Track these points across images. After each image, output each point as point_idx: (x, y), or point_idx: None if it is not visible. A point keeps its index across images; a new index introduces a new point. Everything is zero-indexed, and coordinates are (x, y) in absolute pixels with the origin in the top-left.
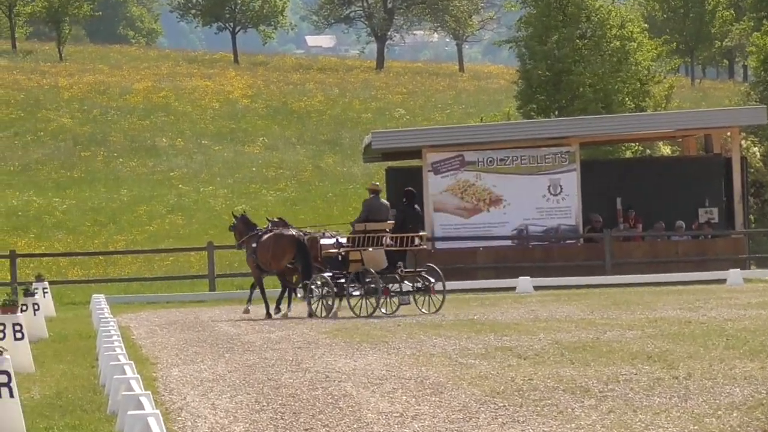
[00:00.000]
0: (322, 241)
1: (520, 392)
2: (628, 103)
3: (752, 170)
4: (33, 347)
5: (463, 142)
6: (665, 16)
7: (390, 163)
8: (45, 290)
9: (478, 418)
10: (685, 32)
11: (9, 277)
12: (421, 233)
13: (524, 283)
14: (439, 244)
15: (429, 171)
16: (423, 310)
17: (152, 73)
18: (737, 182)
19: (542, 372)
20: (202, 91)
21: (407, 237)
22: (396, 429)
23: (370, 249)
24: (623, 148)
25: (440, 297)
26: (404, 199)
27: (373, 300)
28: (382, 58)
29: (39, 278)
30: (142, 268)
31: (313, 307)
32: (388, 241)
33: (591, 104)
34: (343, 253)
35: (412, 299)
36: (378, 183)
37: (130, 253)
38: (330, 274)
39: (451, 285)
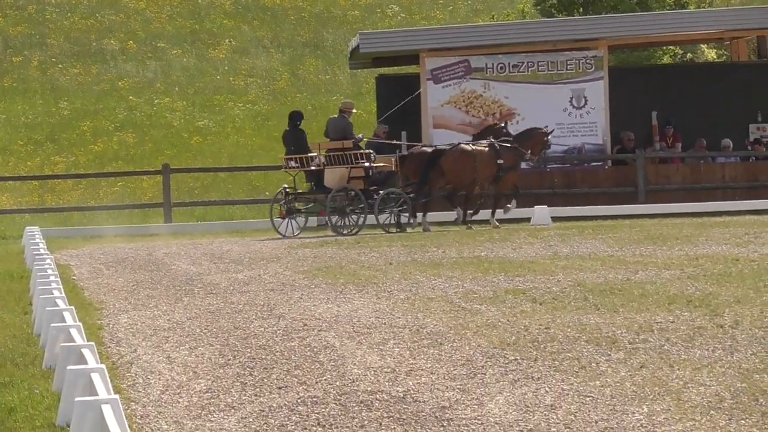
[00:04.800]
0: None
1: (535, 344)
2: None
3: None
4: None
5: (469, 45)
6: None
7: (381, 70)
8: None
9: (485, 374)
10: None
11: None
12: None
13: (541, 213)
14: None
15: (428, 79)
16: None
17: None
18: None
19: (561, 319)
20: None
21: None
22: (387, 387)
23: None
24: (660, 52)
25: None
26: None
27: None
28: None
29: None
30: (85, 196)
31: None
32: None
33: (623, 0)
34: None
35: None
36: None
37: (71, 178)
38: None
39: (452, 215)
